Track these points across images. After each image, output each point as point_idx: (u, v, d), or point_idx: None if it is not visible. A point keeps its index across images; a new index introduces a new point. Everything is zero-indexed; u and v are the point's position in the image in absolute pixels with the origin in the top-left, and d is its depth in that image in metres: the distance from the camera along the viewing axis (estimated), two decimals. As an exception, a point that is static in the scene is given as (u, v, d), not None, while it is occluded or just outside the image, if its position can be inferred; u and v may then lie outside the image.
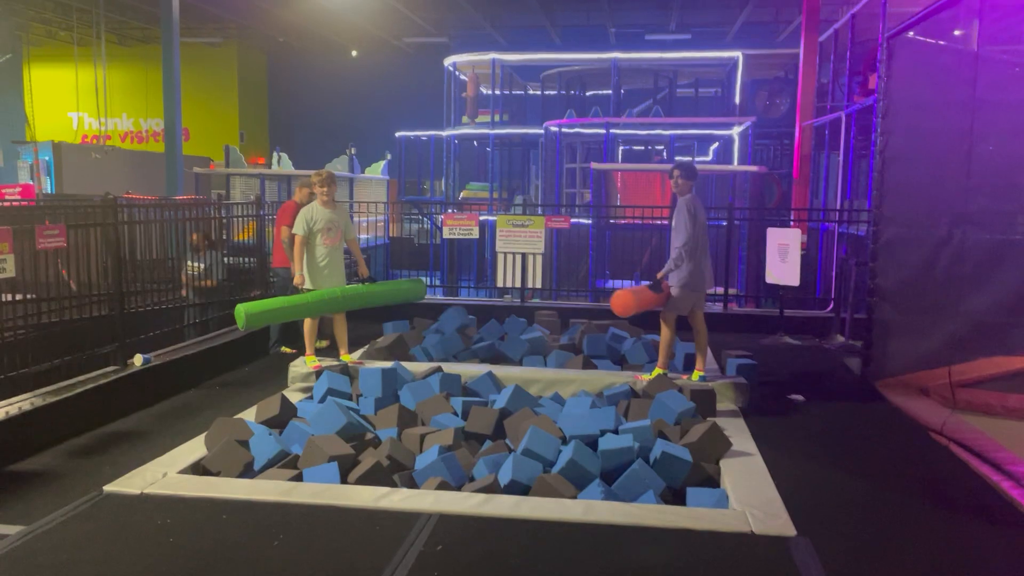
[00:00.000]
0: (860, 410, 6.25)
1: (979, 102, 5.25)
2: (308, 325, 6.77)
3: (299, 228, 6.59)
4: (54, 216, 6.44)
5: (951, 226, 5.65)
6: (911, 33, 6.54)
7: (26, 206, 8.17)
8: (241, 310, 6.08)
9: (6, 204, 8.20)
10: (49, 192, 16.58)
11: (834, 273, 10.42)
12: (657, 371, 6.33)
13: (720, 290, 9.95)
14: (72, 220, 6.32)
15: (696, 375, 6.33)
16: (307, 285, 6.62)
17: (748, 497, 4.25)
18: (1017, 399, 5.66)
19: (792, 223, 11.36)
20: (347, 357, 6.81)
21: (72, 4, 18.94)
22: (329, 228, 6.63)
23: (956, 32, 5.91)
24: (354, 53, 25.50)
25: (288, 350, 7.87)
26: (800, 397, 6.47)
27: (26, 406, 5.11)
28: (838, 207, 12.09)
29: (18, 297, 5.94)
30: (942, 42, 6.17)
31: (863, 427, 5.82)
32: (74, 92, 20.61)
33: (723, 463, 4.79)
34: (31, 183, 15.53)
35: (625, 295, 6.29)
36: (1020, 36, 5.99)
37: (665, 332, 6.40)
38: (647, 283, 6.47)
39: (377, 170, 17.88)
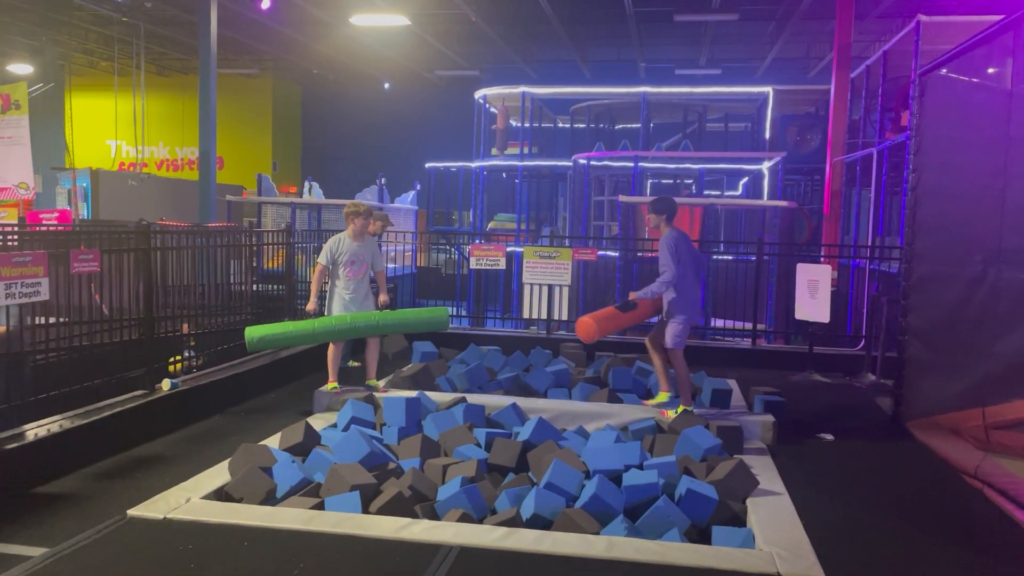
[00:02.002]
0: (891, 450, 6.12)
1: (1013, 140, 5.18)
2: (331, 352, 6.83)
3: (323, 258, 6.71)
4: (89, 241, 6.54)
5: (985, 264, 5.55)
6: (944, 70, 6.50)
7: (62, 231, 8.32)
8: (248, 333, 6.51)
9: (43, 228, 8.36)
10: (85, 218, 16.90)
11: (865, 310, 10.28)
12: (682, 408, 6.26)
13: (748, 326, 9.85)
14: (106, 245, 6.43)
15: (664, 396, 6.40)
16: (330, 310, 6.71)
17: (775, 537, 4.16)
18: (1054, 443, 5.50)
19: (822, 259, 11.24)
20: (373, 381, 6.86)
21: (114, 35, 19.45)
22: (353, 261, 6.73)
23: (990, 70, 5.85)
24: (387, 85, 25.87)
25: (356, 363, 8.04)
26: (829, 436, 6.36)
27: (55, 428, 5.16)
28: (869, 244, 11.96)
29: (51, 320, 6.03)
30: (975, 79, 6.12)
31: (894, 468, 5.70)
32: (113, 120, 21.07)
33: (750, 502, 4.70)
34: (68, 209, 15.85)
35: (586, 321, 6.33)
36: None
37: (679, 368, 6.38)
38: (616, 304, 6.51)
39: (406, 200, 18.05)
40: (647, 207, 6.53)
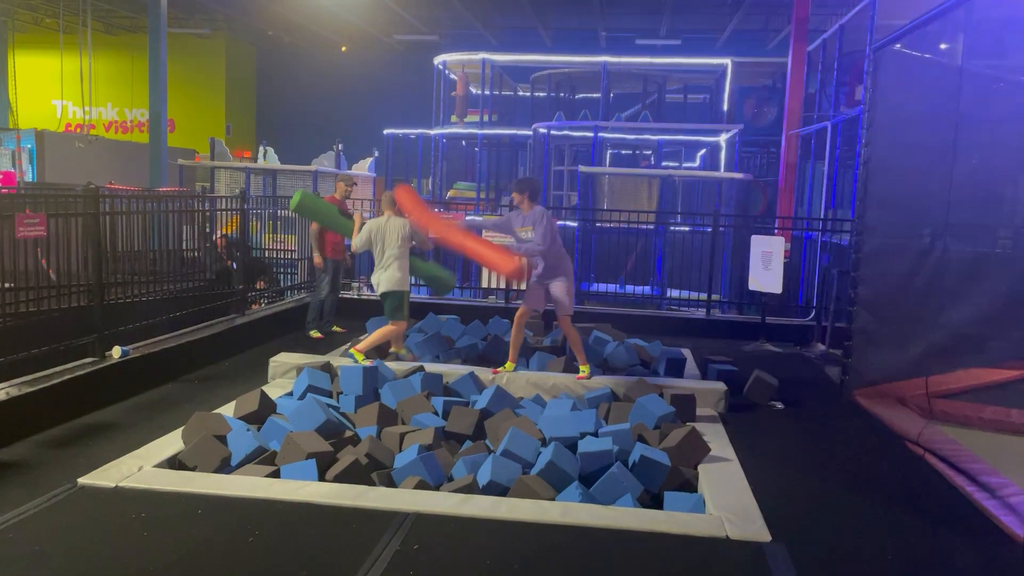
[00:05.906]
0: (838, 418, 6.29)
1: (962, 116, 5.30)
2: (384, 332, 6.88)
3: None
4: (35, 205, 6.36)
5: (933, 237, 5.70)
6: (898, 45, 6.59)
7: (7, 194, 8.07)
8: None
9: (-14, 191, 8.12)
10: (31, 180, 16.39)
11: (816, 282, 10.48)
12: (587, 368, 6.45)
13: (704, 296, 9.99)
14: (53, 209, 6.25)
15: (586, 368, 6.45)
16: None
17: (725, 502, 4.26)
18: (993, 411, 5.72)
19: (776, 231, 11.41)
20: (401, 349, 7.06)
21: (59, -9, 18.78)
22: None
23: (942, 46, 5.96)
24: (344, 49, 25.39)
25: (317, 335, 8.10)
26: (779, 404, 6.51)
27: (1, 395, 5.05)
28: (822, 216, 12.17)
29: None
30: (928, 55, 6.23)
31: (841, 435, 5.86)
32: (59, 80, 20.35)
33: (701, 468, 4.80)
34: (12, 171, 15.37)
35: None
36: (1004, 51, 6.06)
37: (573, 334, 6.50)
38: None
39: (364, 167, 17.82)
40: (513, 186, 6.63)
